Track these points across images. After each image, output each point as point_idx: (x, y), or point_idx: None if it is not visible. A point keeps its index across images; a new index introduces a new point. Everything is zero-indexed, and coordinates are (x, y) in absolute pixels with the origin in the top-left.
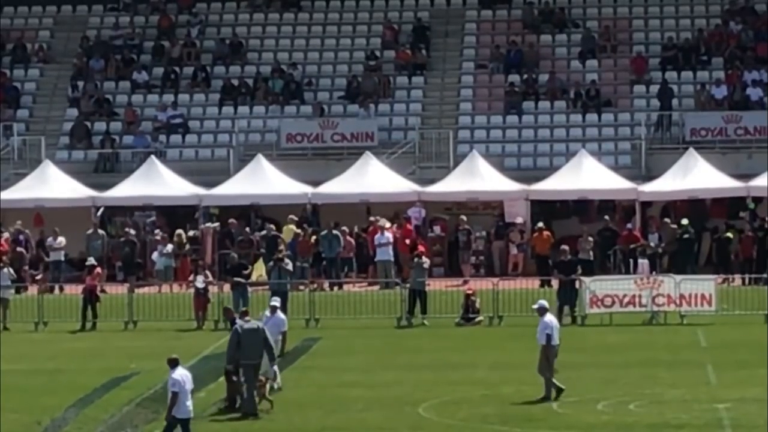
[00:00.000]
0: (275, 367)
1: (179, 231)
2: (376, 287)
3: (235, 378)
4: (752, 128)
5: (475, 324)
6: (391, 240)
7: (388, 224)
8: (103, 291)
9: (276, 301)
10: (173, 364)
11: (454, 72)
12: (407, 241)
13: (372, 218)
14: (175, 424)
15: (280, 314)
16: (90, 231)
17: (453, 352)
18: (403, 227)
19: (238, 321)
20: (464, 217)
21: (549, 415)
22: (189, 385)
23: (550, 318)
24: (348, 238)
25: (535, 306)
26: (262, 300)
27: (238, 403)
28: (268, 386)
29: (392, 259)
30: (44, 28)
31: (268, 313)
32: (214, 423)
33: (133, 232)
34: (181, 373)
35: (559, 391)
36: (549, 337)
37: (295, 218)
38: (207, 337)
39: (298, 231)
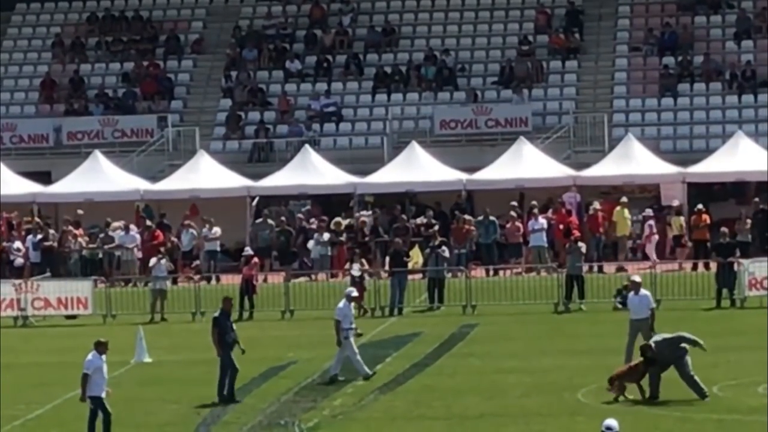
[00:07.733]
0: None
1: (337, 219)
2: (531, 273)
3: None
4: None
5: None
6: (545, 226)
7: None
8: (265, 280)
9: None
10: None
11: (607, 55)
12: (561, 227)
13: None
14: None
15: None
16: (259, 220)
17: (611, 337)
18: (558, 212)
19: None
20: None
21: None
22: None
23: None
24: (516, 223)
25: (636, 278)
26: (418, 287)
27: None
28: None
29: (546, 244)
30: (197, 19)
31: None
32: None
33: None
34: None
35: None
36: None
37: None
38: (364, 325)
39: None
